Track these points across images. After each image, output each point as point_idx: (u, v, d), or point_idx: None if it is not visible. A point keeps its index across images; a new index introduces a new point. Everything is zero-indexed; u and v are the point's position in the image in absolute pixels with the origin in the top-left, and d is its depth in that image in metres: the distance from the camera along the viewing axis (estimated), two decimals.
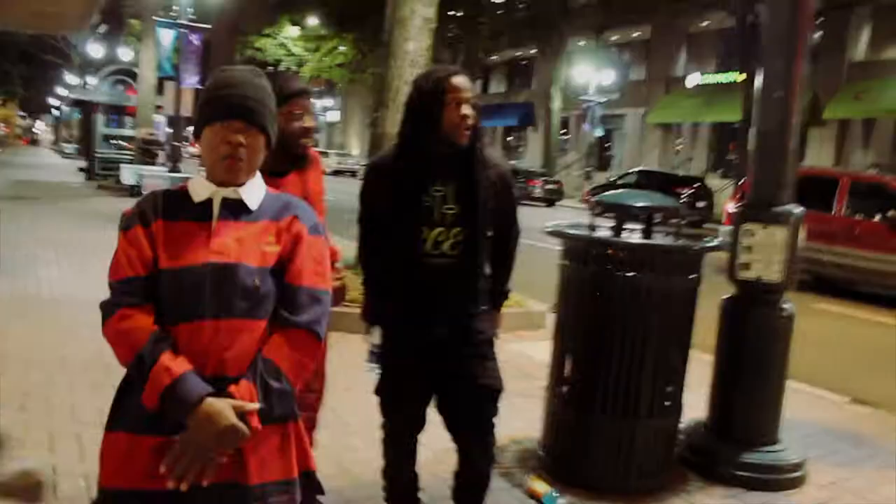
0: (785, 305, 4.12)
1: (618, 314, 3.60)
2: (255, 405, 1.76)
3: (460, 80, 2.72)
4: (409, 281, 2.79)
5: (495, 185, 2.84)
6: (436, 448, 3.49)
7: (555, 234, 3.82)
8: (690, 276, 3.69)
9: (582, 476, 3.75)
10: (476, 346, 2.88)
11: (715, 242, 3.82)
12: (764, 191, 4.15)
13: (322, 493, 2.05)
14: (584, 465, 3.75)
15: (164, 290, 1.81)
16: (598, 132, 32.75)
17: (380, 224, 2.89)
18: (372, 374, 2.96)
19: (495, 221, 2.90)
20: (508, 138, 43.50)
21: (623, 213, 3.77)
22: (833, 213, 11.49)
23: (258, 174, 1.94)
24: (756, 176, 4.21)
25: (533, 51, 38.24)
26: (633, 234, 3.87)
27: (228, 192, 1.88)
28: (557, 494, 3.56)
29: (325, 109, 57.99)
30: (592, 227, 3.85)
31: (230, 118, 1.83)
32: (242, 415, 1.74)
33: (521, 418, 4.47)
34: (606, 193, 4.45)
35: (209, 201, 1.88)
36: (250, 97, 1.86)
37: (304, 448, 1.97)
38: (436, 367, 2.86)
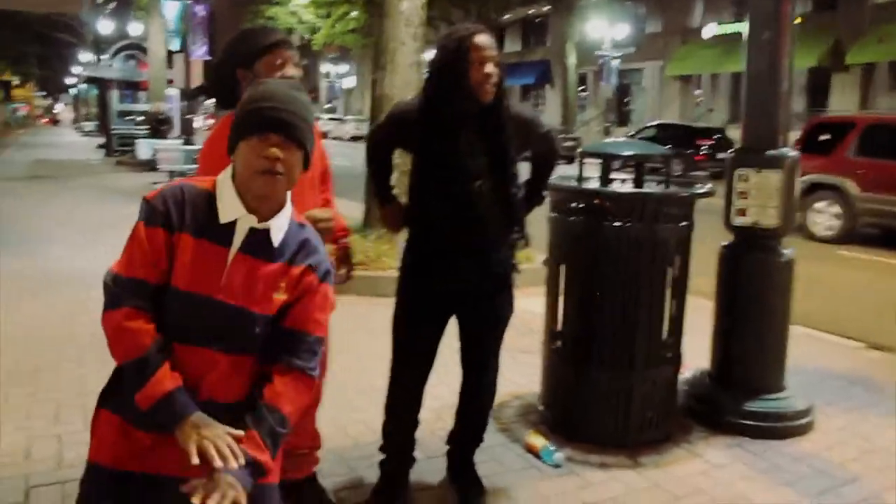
0: (784, 251, 4.04)
1: (608, 265, 3.55)
2: (241, 432, 1.77)
3: (483, 39, 2.76)
4: (436, 230, 2.89)
5: (518, 129, 2.91)
6: (436, 407, 3.50)
7: None
8: (681, 224, 3.62)
9: (581, 430, 3.72)
10: (497, 287, 3.03)
11: (705, 189, 3.73)
12: (757, 135, 4.05)
13: None
14: (583, 418, 3.72)
15: (168, 306, 1.80)
16: (613, 84, 32.33)
17: (388, 166, 3.13)
18: None
19: (532, 149, 3.10)
20: (526, 97, 43.10)
21: (610, 162, 3.70)
22: None
23: (288, 196, 1.90)
24: (748, 120, 4.12)
25: (546, 7, 37.69)
26: (623, 184, 3.82)
27: (256, 223, 1.83)
28: (554, 448, 3.55)
29: (341, 76, 57.73)
30: (581, 179, 3.80)
31: (267, 131, 1.78)
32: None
33: (523, 374, 4.47)
34: (595, 143, 4.38)
35: (234, 223, 1.83)
36: (288, 110, 1.80)
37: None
38: (455, 296, 2.98)
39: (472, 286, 2.95)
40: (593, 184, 3.77)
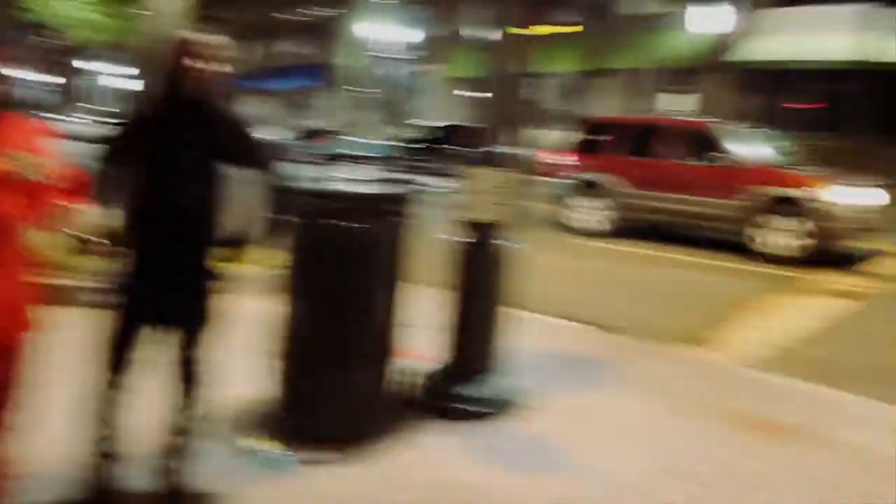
0: (498, 242, 4.26)
1: (327, 264, 3.61)
2: None
3: (198, 37, 2.99)
4: (153, 227, 2.97)
5: (230, 131, 3.09)
6: (153, 419, 3.39)
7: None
8: (394, 221, 3.72)
9: (308, 430, 3.72)
10: (206, 287, 3.08)
11: (423, 186, 3.89)
12: (483, 136, 4.31)
13: None
14: (309, 419, 3.73)
15: None
16: (395, 87, 32.93)
17: (120, 166, 3.07)
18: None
19: (242, 163, 3.11)
20: (305, 98, 42.63)
21: (333, 161, 3.76)
22: (655, 159, 11.73)
23: None
24: (480, 121, 4.41)
25: (327, 9, 37.60)
26: (352, 185, 3.87)
27: None
28: (281, 451, 3.57)
29: (130, 77, 54.42)
30: (306, 180, 3.83)
31: None
32: None
33: (262, 378, 4.39)
34: (327, 144, 4.44)
35: None
36: None
37: None
38: (167, 295, 3.01)
39: (185, 282, 3.01)
40: (313, 184, 3.79)
